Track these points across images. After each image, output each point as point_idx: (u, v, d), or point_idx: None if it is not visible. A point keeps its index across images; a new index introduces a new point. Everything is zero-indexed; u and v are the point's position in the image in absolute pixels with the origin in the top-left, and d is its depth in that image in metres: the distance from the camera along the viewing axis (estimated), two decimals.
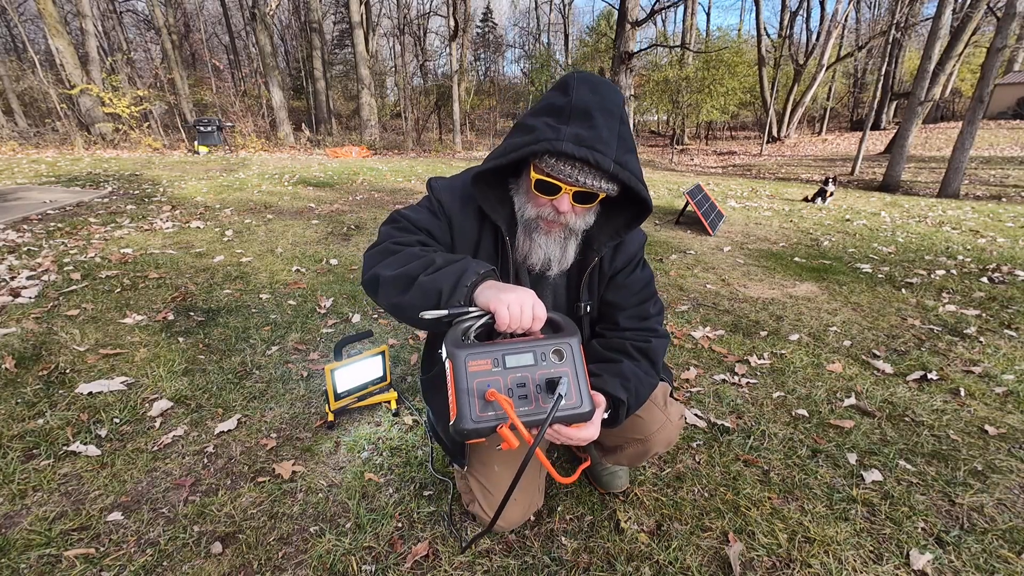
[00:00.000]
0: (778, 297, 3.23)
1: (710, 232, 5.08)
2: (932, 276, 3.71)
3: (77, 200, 5.42)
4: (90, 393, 1.87)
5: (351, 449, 1.65)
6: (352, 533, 1.32)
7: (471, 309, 0.83)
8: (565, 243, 1.04)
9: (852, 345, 2.52)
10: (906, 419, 1.88)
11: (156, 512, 1.37)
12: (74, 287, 2.88)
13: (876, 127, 20.90)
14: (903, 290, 3.39)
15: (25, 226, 4.25)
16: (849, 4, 23.02)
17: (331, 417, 1.74)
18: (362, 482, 1.50)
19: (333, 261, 3.66)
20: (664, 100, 18.48)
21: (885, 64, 14.88)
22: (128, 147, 12.50)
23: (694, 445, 1.71)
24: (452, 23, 18.74)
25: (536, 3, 34.38)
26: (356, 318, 2.67)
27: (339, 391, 1.73)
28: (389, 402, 1.87)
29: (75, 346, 2.21)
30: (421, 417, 1.83)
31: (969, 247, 4.65)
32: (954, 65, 15.71)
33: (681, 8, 25.02)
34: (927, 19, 14.73)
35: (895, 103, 23.07)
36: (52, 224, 4.34)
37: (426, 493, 1.47)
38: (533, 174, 0.95)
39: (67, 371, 2.02)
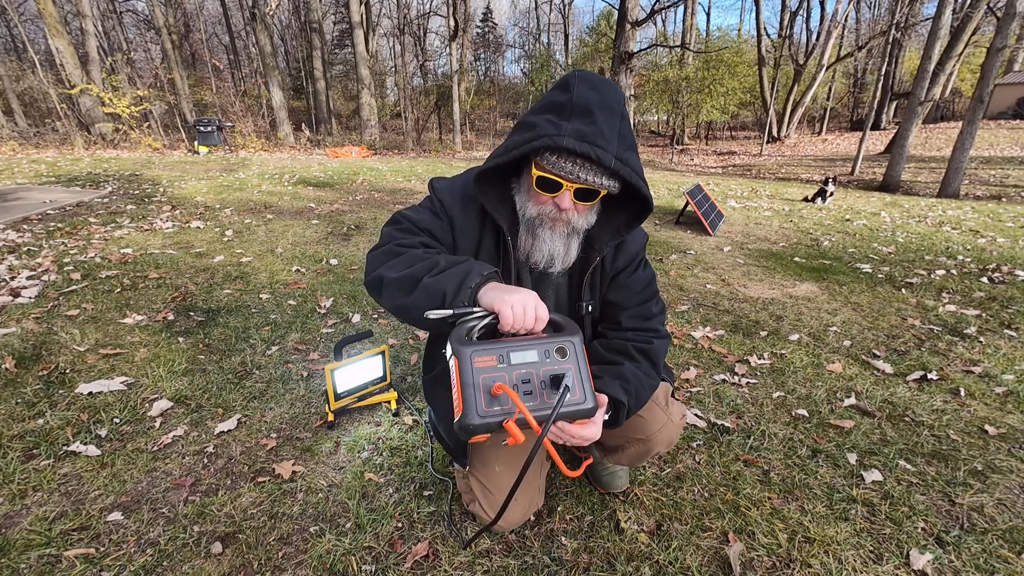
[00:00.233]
0: (778, 297, 3.23)
1: (710, 232, 5.08)
2: (932, 276, 3.71)
3: (77, 200, 5.42)
4: (90, 393, 1.87)
5: (351, 449, 1.65)
6: (352, 533, 1.32)
7: (475, 309, 0.85)
8: (568, 240, 1.04)
9: (852, 345, 2.52)
10: (906, 419, 1.88)
11: (156, 512, 1.37)
12: (74, 287, 2.88)
13: (876, 127, 20.90)
14: (903, 290, 3.39)
15: (25, 226, 4.25)
16: (849, 4, 23.03)
17: (331, 417, 1.74)
18: (362, 482, 1.50)
19: (333, 261, 3.66)
20: (664, 100, 18.48)
21: (885, 64, 14.87)
22: (128, 147, 12.50)
23: (694, 445, 1.71)
24: (452, 23, 18.74)
25: (536, 3, 34.39)
26: (356, 318, 2.67)
27: (339, 391, 1.73)
28: (389, 402, 1.87)
29: (75, 346, 2.21)
30: (421, 417, 1.83)
31: (969, 247, 4.65)
32: (954, 65, 15.71)
33: (681, 8, 25.03)
34: (927, 19, 14.73)
35: (895, 103, 23.07)
36: (52, 224, 4.34)
37: (426, 493, 1.47)
38: (534, 171, 0.95)
39: (67, 371, 2.02)
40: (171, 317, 2.56)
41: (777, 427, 1.82)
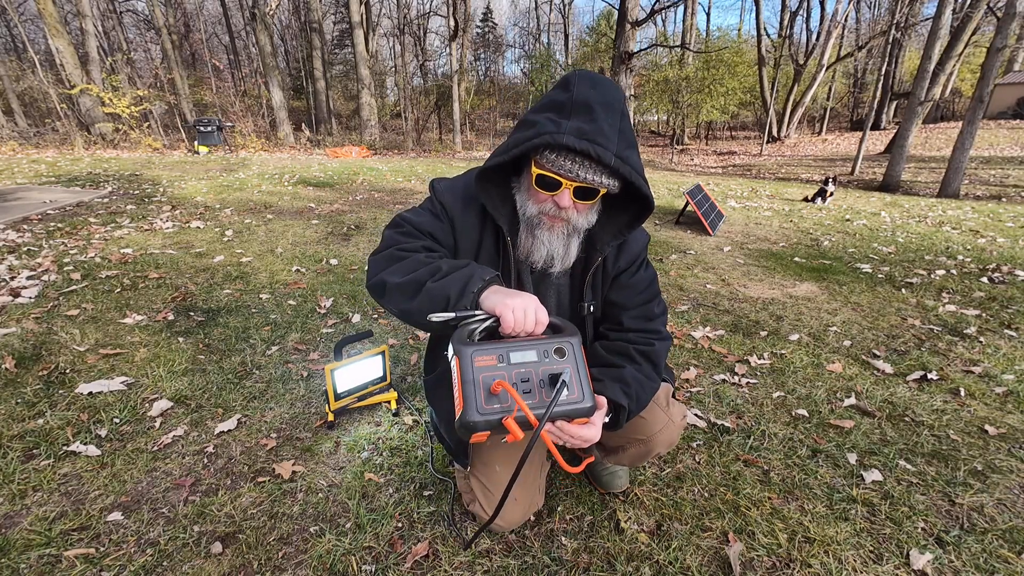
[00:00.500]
0: (778, 297, 3.23)
1: (710, 232, 5.08)
2: (932, 276, 3.71)
3: (77, 200, 5.42)
4: (90, 393, 1.87)
5: (351, 449, 1.65)
6: (352, 533, 1.32)
7: (477, 313, 0.87)
8: (568, 240, 1.04)
9: (852, 345, 2.52)
10: (906, 419, 1.88)
11: (156, 512, 1.37)
12: (74, 287, 2.88)
13: (876, 127, 20.90)
14: (903, 290, 3.39)
15: (25, 226, 4.25)
16: (849, 4, 23.03)
17: (331, 417, 1.74)
18: (362, 482, 1.50)
19: (333, 261, 3.66)
20: (664, 100, 18.47)
21: (885, 64, 14.88)
22: (128, 147, 12.50)
23: (694, 445, 1.71)
24: (452, 23, 18.74)
25: (536, 3, 34.39)
26: (356, 318, 2.67)
27: (339, 391, 1.73)
28: (389, 402, 1.87)
29: (75, 346, 2.21)
30: (421, 417, 1.83)
31: (969, 247, 4.65)
32: (954, 65, 15.72)
33: (681, 8, 25.02)
34: (927, 19, 14.73)
35: (895, 103, 23.07)
36: (52, 224, 4.34)
37: (426, 493, 1.47)
38: (534, 169, 0.96)
39: (67, 371, 2.02)
40: (171, 317, 2.56)
41: (777, 427, 1.82)
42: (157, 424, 1.73)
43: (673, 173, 13.33)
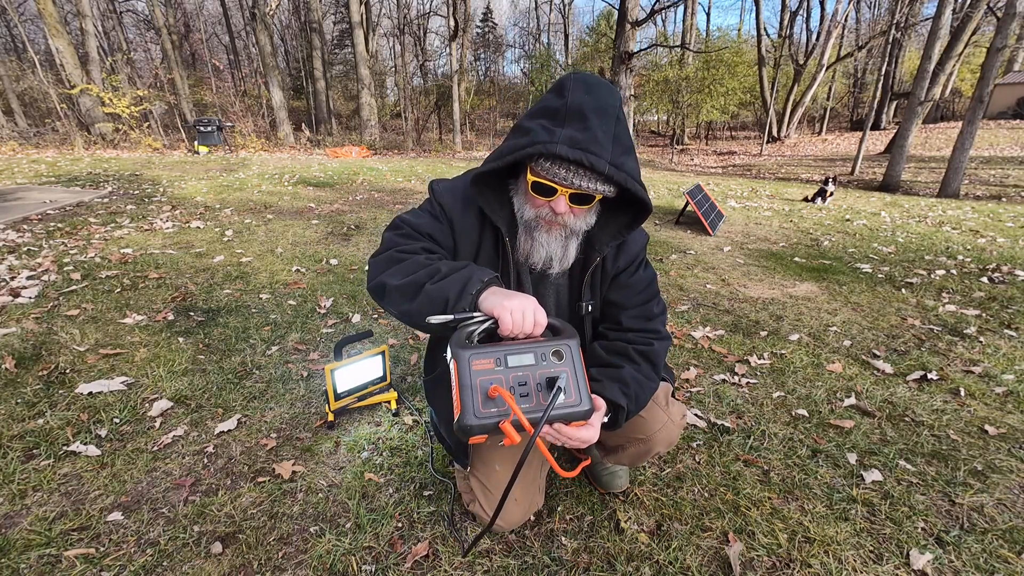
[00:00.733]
0: (778, 297, 3.23)
1: (710, 232, 5.08)
2: (932, 276, 3.71)
3: (77, 200, 5.42)
4: (90, 393, 1.87)
5: (351, 449, 1.65)
6: (352, 533, 1.32)
7: (476, 314, 0.87)
8: (566, 242, 1.04)
9: (852, 345, 2.52)
10: (906, 419, 1.88)
11: (156, 512, 1.37)
12: (74, 287, 2.88)
13: (876, 127, 20.90)
14: (903, 290, 3.39)
15: (25, 226, 4.25)
16: (849, 4, 23.03)
17: (331, 417, 1.74)
18: (362, 482, 1.50)
19: (333, 261, 3.66)
20: (664, 100, 18.47)
21: (885, 64, 14.88)
22: (128, 147, 12.50)
23: (694, 445, 1.71)
24: (452, 23, 18.75)
25: (536, 3, 34.39)
26: (356, 318, 2.67)
27: (339, 391, 1.73)
28: (389, 402, 1.87)
29: (75, 346, 2.21)
30: (421, 417, 1.83)
31: (969, 247, 4.65)
32: (954, 65, 15.72)
33: (681, 8, 25.02)
34: (927, 19, 14.73)
35: (895, 103, 23.07)
36: (52, 224, 4.34)
37: (426, 493, 1.47)
38: (529, 176, 0.96)
39: (67, 371, 2.02)
40: (171, 317, 2.56)
41: (777, 427, 1.82)
42: (157, 424, 1.73)
43: (673, 173, 13.33)
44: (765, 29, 21.93)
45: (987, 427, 1.82)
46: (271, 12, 17.42)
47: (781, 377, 2.19)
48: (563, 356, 0.86)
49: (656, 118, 29.59)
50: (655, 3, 13.81)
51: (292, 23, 29.46)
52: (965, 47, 14.07)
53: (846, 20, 23.80)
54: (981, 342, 2.55)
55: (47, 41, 14.52)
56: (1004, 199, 8.62)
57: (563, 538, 1.33)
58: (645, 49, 15.07)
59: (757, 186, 10.35)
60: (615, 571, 1.23)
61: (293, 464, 1.56)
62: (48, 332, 2.32)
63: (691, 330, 2.66)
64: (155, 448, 1.61)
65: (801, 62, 22.21)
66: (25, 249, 3.57)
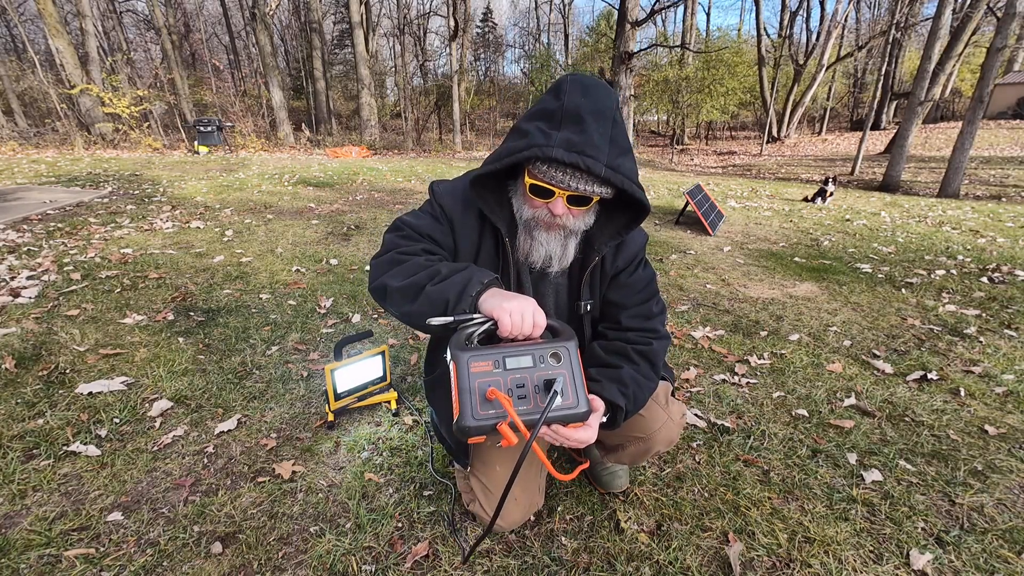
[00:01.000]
0: (778, 297, 3.23)
1: (710, 232, 5.08)
2: (932, 276, 3.71)
3: (77, 200, 5.42)
4: (90, 393, 1.87)
5: (351, 449, 1.65)
6: (352, 533, 1.32)
7: (475, 316, 0.88)
8: (565, 241, 1.05)
9: (852, 345, 2.52)
10: (906, 419, 1.88)
11: (156, 512, 1.37)
12: (74, 287, 2.88)
13: (876, 127, 20.90)
14: (903, 290, 3.39)
15: (25, 226, 4.25)
16: (849, 4, 23.03)
17: (331, 417, 1.74)
18: (362, 482, 1.50)
19: (333, 261, 3.66)
20: (664, 100, 18.47)
21: (885, 64, 14.89)
22: (128, 147, 12.50)
23: (694, 445, 1.71)
24: (452, 23, 18.75)
25: (536, 3, 34.39)
26: (356, 318, 2.67)
27: (339, 391, 1.73)
28: (389, 402, 1.87)
29: (75, 346, 2.21)
30: (421, 417, 1.83)
31: (969, 247, 4.65)
32: (954, 65, 15.72)
33: (681, 8, 25.01)
34: (927, 19, 14.72)
35: (895, 103, 23.07)
36: (52, 224, 4.34)
37: (426, 493, 1.47)
38: (527, 179, 0.98)
39: (67, 371, 2.02)
40: (171, 317, 2.56)
41: (777, 427, 1.82)
42: (157, 424, 1.73)
43: (673, 173, 13.33)
44: (765, 29, 21.95)
45: (987, 427, 1.82)
46: (271, 12, 17.42)
47: (781, 377, 2.19)
48: (561, 358, 0.87)
49: (656, 118, 29.60)
50: (655, 3, 13.81)
51: (292, 23, 29.46)
52: (965, 47, 14.07)
53: (846, 20, 23.81)
54: (981, 342, 2.55)
55: (47, 41, 14.52)
56: (1004, 199, 8.62)
57: (563, 538, 1.33)
58: (645, 49, 15.08)
59: (757, 186, 10.35)
60: (615, 571, 1.23)
61: (293, 464, 1.56)
62: (48, 332, 2.32)
63: (691, 330, 2.66)
64: (155, 448, 1.61)
65: (801, 62, 22.22)
66: (25, 249, 3.57)
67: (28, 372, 1.99)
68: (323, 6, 23.82)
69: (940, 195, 9.12)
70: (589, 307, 1.16)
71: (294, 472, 1.53)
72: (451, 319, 0.87)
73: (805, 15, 27.21)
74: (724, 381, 2.15)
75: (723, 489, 1.50)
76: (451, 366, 0.85)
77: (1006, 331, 2.70)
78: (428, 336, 1.70)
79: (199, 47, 27.50)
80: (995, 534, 1.35)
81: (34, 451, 1.56)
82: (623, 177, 0.92)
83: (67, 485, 1.44)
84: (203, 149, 12.39)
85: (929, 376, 2.18)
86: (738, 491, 1.49)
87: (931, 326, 2.77)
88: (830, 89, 26.02)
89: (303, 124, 18.98)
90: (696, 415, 1.87)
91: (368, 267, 1.07)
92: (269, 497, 1.44)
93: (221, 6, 26.19)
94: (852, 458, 1.64)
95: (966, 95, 24.75)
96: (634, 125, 21.37)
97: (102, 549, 1.24)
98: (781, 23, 24.87)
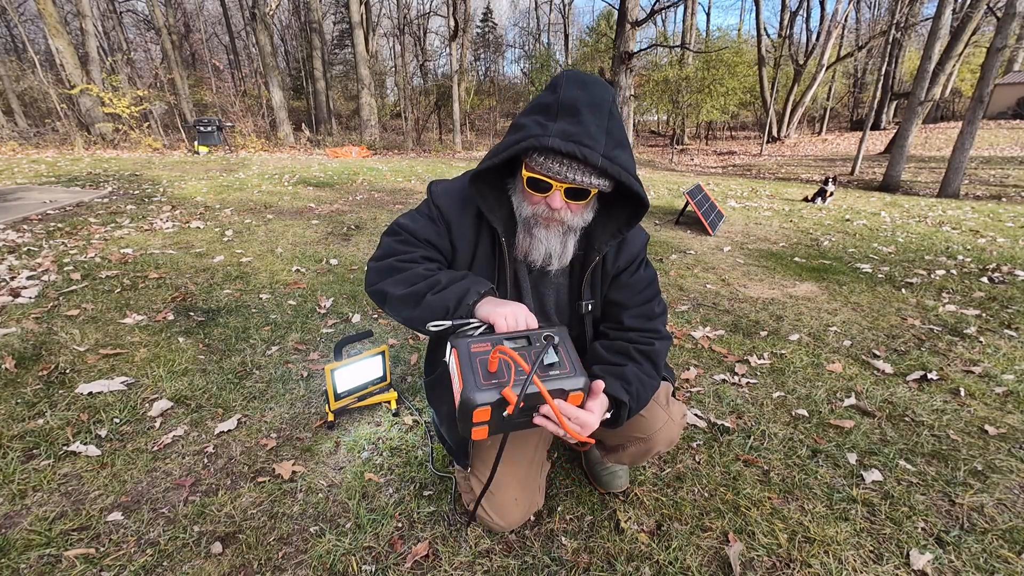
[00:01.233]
0: (778, 297, 3.23)
1: (710, 232, 5.08)
2: (932, 276, 3.71)
3: (77, 200, 5.42)
4: (90, 393, 1.87)
5: (351, 449, 1.65)
6: (352, 533, 1.32)
7: (471, 320, 0.94)
8: (564, 238, 1.05)
9: (852, 345, 2.52)
10: (906, 419, 1.88)
11: (156, 512, 1.37)
12: (74, 287, 2.88)
13: (876, 127, 20.90)
14: (903, 290, 3.39)
15: (25, 226, 4.25)
16: (849, 4, 23.04)
17: (331, 417, 1.74)
18: (362, 482, 1.50)
19: (333, 261, 3.66)
20: (664, 100, 18.48)
21: (885, 64, 14.89)
22: (128, 147, 12.50)
23: (694, 445, 1.71)
24: (452, 23, 18.75)
25: (536, 3, 34.40)
26: (356, 318, 2.67)
27: (339, 391, 1.73)
28: (389, 402, 1.87)
29: (75, 346, 2.21)
30: (421, 417, 1.83)
31: (969, 247, 4.64)
32: (954, 65, 15.72)
33: (681, 8, 25.02)
34: (927, 19, 14.72)
35: (895, 103, 23.07)
36: (52, 224, 4.34)
37: (426, 493, 1.47)
38: (525, 172, 0.98)
39: (67, 371, 2.02)
40: (171, 317, 2.56)
41: (777, 427, 1.82)
42: (157, 424, 1.73)
43: (673, 173, 13.33)
44: (765, 29, 21.95)
45: (987, 427, 1.82)
46: (271, 12, 17.42)
47: (781, 377, 2.19)
48: (555, 338, 0.91)
49: (656, 118, 29.60)
50: (655, 3, 13.81)
51: (292, 23, 29.46)
52: (965, 47, 14.07)
53: (846, 20, 23.81)
54: (981, 342, 2.55)
55: (47, 41, 14.52)
56: (1004, 199, 8.62)
57: (563, 538, 1.33)
58: (645, 49, 15.07)
59: (757, 186, 10.35)
60: (615, 571, 1.23)
61: (293, 464, 1.56)
62: (48, 332, 2.32)
63: (691, 330, 2.66)
64: (155, 448, 1.61)
65: (801, 62, 22.21)
66: (25, 249, 3.57)
67: (28, 372, 1.99)
68: (323, 6, 23.82)
69: (940, 195, 9.12)
70: (590, 307, 1.17)
71: (294, 472, 1.53)
72: (450, 323, 0.93)
73: (805, 15, 27.24)
74: (724, 381, 2.15)
75: (723, 489, 1.50)
76: (451, 355, 0.89)
77: (1006, 331, 2.70)
78: (428, 337, 1.71)
79: (199, 47, 27.50)
80: (995, 534, 1.35)
81: (34, 451, 1.56)
82: (619, 168, 0.92)
83: (67, 485, 1.44)
84: (203, 149, 12.38)
85: (929, 376, 2.18)
86: (738, 491, 1.49)
87: (931, 326, 2.77)
88: (830, 89, 26.02)
89: (303, 124, 18.98)
90: (696, 415, 1.87)
91: (366, 267, 1.10)
92: (269, 497, 1.44)
93: (221, 6, 26.19)
94: (852, 458, 1.64)
95: (966, 95, 24.75)
96: (634, 125, 21.38)
97: (102, 549, 1.24)
98: (781, 23, 24.88)
